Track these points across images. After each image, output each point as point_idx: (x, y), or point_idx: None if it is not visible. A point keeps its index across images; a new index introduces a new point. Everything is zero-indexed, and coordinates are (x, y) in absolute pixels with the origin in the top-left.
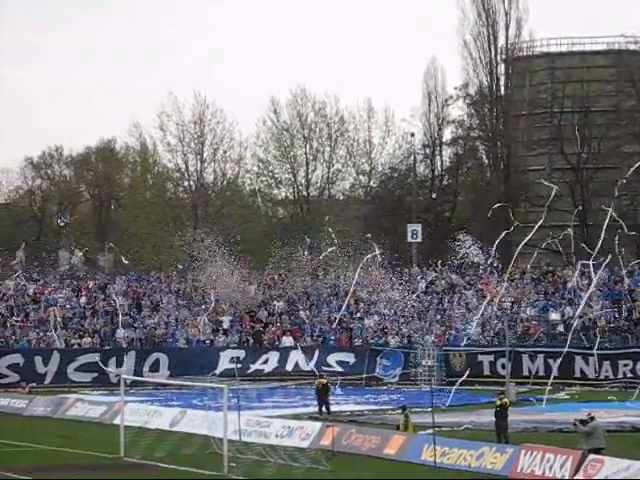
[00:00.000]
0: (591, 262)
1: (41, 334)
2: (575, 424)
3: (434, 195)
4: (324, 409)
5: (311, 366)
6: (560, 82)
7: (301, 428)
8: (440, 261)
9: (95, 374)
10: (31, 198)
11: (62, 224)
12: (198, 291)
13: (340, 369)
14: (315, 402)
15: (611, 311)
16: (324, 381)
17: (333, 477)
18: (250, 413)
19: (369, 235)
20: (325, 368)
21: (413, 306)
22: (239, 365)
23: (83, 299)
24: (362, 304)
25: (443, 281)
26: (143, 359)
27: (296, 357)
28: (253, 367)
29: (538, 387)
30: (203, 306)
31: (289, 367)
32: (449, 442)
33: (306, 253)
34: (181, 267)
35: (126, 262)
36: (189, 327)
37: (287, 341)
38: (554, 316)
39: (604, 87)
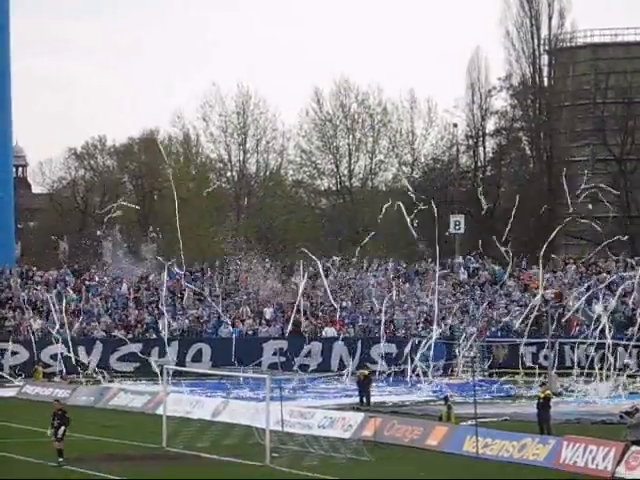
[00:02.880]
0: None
1: (84, 324)
2: (622, 416)
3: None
4: (364, 400)
5: (354, 365)
6: (603, 73)
7: (343, 419)
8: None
9: (137, 364)
10: (74, 188)
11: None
12: (240, 283)
13: (384, 363)
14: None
15: None
16: (366, 372)
17: (375, 468)
18: (293, 403)
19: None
20: (368, 364)
21: (456, 297)
22: (282, 359)
23: (125, 289)
24: (404, 295)
25: (486, 272)
26: (185, 349)
27: (340, 350)
28: (297, 361)
29: (583, 378)
30: (245, 297)
31: (334, 363)
32: (491, 433)
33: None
34: (224, 258)
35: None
36: (233, 318)
37: (330, 332)
38: (597, 308)
39: None
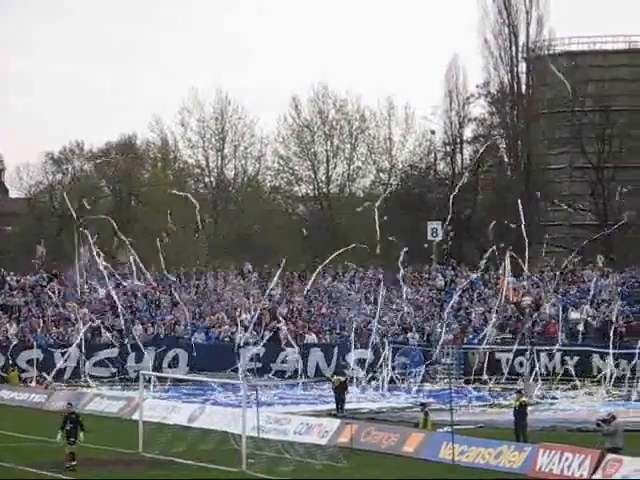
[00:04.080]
0: None
1: (60, 329)
2: (598, 424)
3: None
4: (339, 406)
5: (330, 371)
6: (581, 81)
7: (319, 425)
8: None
9: (114, 369)
10: (52, 193)
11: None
12: (217, 289)
13: (360, 369)
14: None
15: (629, 311)
16: (342, 378)
17: (351, 474)
18: (269, 410)
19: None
20: (345, 371)
21: (433, 304)
22: (259, 364)
23: (102, 294)
24: (381, 301)
25: (463, 279)
26: (162, 355)
27: (316, 357)
28: (274, 367)
29: (557, 385)
30: (222, 303)
31: (310, 370)
32: (467, 440)
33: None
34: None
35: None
36: (210, 323)
37: (310, 338)
38: (574, 315)
39: (625, 86)
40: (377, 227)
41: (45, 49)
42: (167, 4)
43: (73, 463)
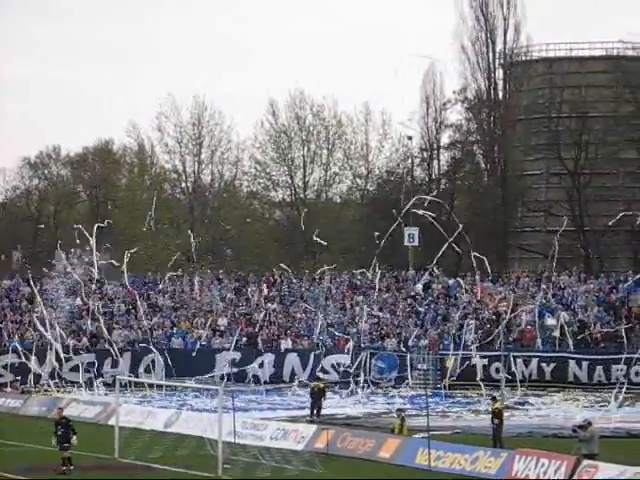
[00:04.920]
0: None
1: (37, 334)
2: (574, 430)
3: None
4: (315, 412)
5: (305, 376)
6: (558, 87)
7: (296, 431)
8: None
9: (90, 374)
10: (28, 198)
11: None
12: (193, 294)
13: (336, 375)
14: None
15: (606, 317)
16: (321, 385)
17: None
18: (245, 415)
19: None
20: (321, 375)
21: (410, 310)
22: (235, 369)
23: (79, 300)
24: (358, 307)
25: (439, 285)
26: (138, 360)
27: (292, 362)
28: (250, 372)
29: (532, 392)
30: (198, 307)
31: (286, 374)
32: (444, 446)
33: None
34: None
35: (117, 264)
36: (187, 329)
37: (285, 344)
38: (550, 321)
39: (602, 93)
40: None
41: (21, 53)
42: (145, 10)
43: (71, 468)
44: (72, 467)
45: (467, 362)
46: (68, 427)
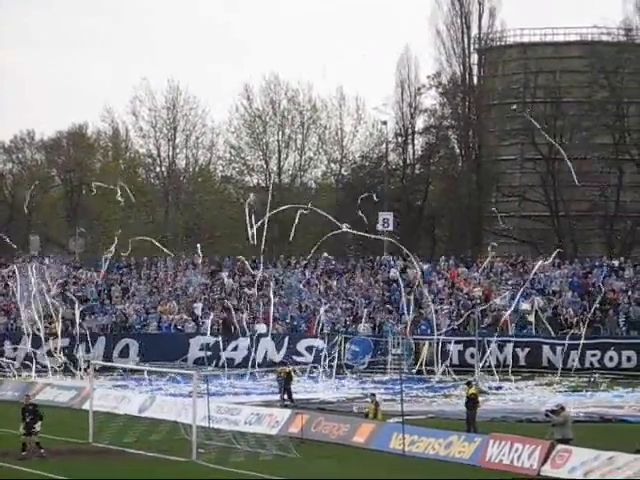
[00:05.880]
0: None
1: (11, 320)
2: (547, 414)
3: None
4: (286, 397)
5: (280, 357)
6: (532, 72)
7: (270, 415)
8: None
9: (64, 359)
10: (2, 182)
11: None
12: (168, 278)
13: (310, 356)
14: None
15: (580, 302)
16: (288, 369)
17: (301, 464)
18: (220, 400)
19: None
20: (295, 357)
21: (384, 294)
22: (209, 353)
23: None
24: (332, 291)
25: (414, 270)
26: (113, 345)
27: (266, 345)
28: (224, 355)
29: (507, 377)
30: (173, 292)
31: (259, 357)
32: (418, 430)
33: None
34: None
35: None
36: (162, 313)
37: (260, 328)
38: (524, 306)
39: (576, 78)
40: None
41: None
42: None
43: (42, 451)
44: (43, 450)
45: (441, 347)
46: (35, 413)
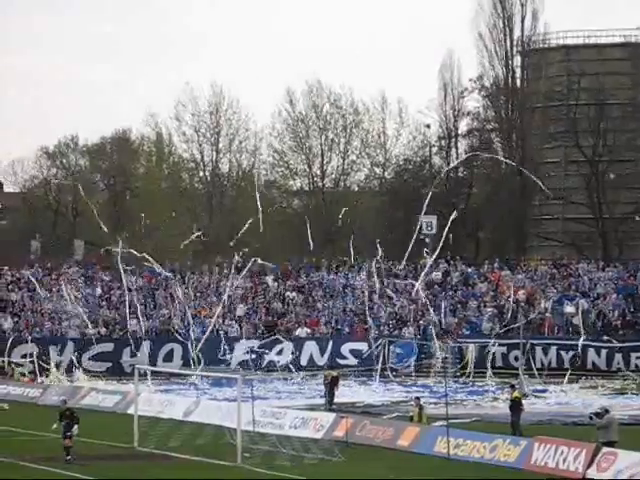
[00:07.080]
0: None
1: (56, 324)
2: (591, 417)
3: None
4: (328, 400)
5: (324, 361)
6: (575, 75)
7: (315, 419)
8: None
9: (109, 363)
10: (46, 188)
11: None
12: (212, 283)
13: (354, 360)
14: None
15: (624, 305)
16: (334, 373)
17: (346, 468)
18: (264, 403)
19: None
20: (339, 360)
21: (428, 298)
22: (253, 356)
23: (98, 289)
24: (377, 295)
25: (457, 273)
26: (157, 349)
27: (310, 349)
28: (267, 358)
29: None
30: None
31: (303, 360)
32: (463, 434)
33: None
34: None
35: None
36: (204, 318)
37: (303, 332)
38: (569, 309)
39: (619, 80)
40: None
41: (41, 43)
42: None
43: (67, 457)
44: (72, 457)
45: (486, 350)
46: (72, 418)
